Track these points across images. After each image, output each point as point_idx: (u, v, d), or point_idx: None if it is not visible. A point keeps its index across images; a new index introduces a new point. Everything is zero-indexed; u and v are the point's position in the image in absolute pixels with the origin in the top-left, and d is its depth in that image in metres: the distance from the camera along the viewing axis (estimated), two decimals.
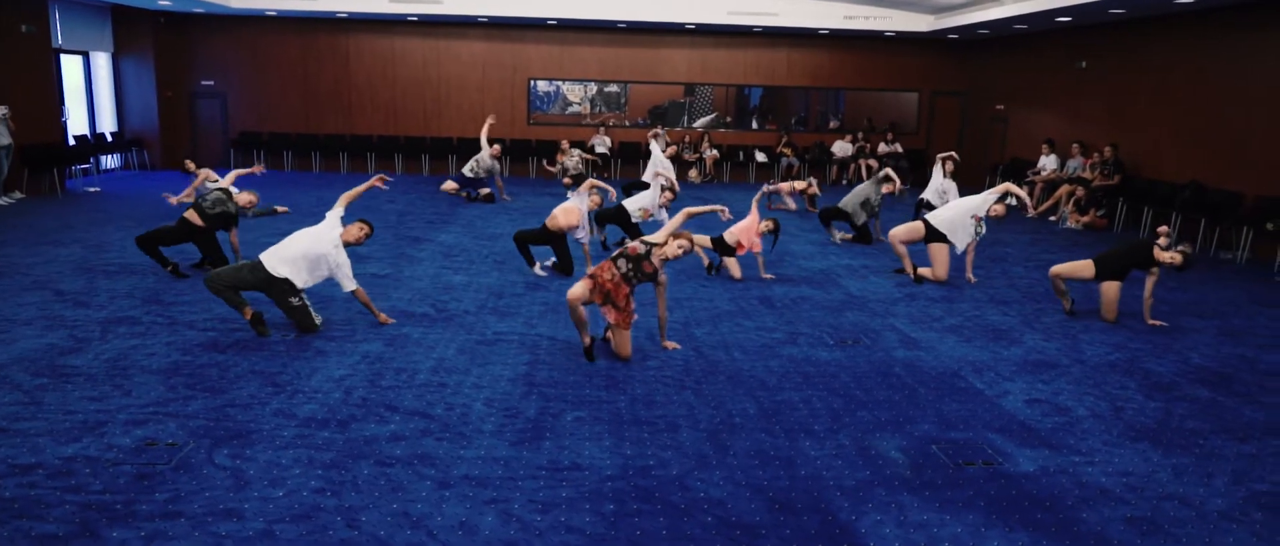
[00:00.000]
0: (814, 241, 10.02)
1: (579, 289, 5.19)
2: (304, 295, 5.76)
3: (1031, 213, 8.65)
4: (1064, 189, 12.44)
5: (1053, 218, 12.47)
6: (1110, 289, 6.62)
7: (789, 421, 4.46)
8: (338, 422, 4.26)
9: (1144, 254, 6.53)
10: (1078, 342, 6.11)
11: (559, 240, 7.78)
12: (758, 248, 7.74)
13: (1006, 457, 4.09)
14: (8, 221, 9.91)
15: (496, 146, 12.62)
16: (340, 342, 5.59)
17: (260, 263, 5.67)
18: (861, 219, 9.85)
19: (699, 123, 17.28)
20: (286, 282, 5.66)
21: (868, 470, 3.91)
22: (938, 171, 10.33)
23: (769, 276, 7.87)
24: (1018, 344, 6.04)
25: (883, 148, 16.87)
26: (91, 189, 12.96)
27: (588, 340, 5.35)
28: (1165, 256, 6.40)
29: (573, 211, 7.66)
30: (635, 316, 5.39)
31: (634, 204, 9.00)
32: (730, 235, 7.80)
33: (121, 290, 6.82)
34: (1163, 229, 6.85)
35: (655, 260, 5.24)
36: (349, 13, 15.18)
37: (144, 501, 3.41)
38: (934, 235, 7.78)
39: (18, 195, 11.60)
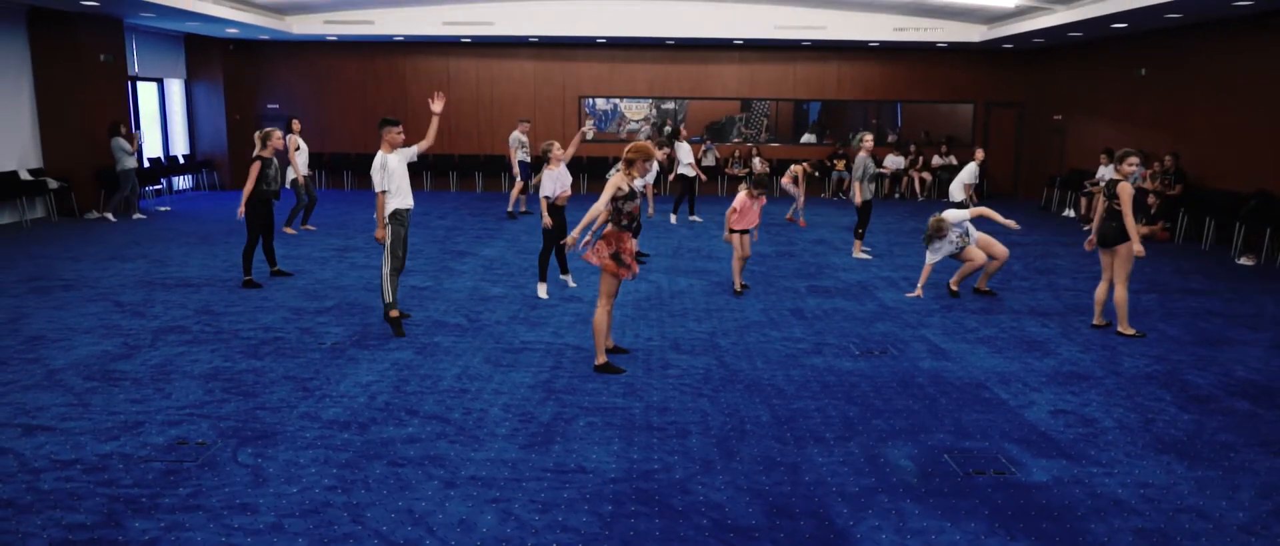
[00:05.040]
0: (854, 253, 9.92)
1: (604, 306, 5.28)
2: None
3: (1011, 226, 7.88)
4: None
5: None
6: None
7: (800, 429, 4.46)
8: (358, 425, 4.42)
9: None
10: (1116, 354, 5.93)
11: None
12: (744, 223, 7.77)
13: (1019, 467, 4.01)
14: (83, 239, 10.49)
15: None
16: (373, 351, 5.78)
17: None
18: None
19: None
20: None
21: (873, 477, 3.88)
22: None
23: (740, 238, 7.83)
24: (1052, 355, 5.90)
25: (937, 160, 16.61)
26: (162, 209, 13.61)
27: (604, 358, 5.39)
28: None
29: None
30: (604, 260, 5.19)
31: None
32: (743, 203, 7.77)
33: (176, 301, 7.17)
34: None
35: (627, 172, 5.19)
36: (405, 36, 15.67)
37: (168, 495, 3.60)
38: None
39: (95, 214, 12.26)
